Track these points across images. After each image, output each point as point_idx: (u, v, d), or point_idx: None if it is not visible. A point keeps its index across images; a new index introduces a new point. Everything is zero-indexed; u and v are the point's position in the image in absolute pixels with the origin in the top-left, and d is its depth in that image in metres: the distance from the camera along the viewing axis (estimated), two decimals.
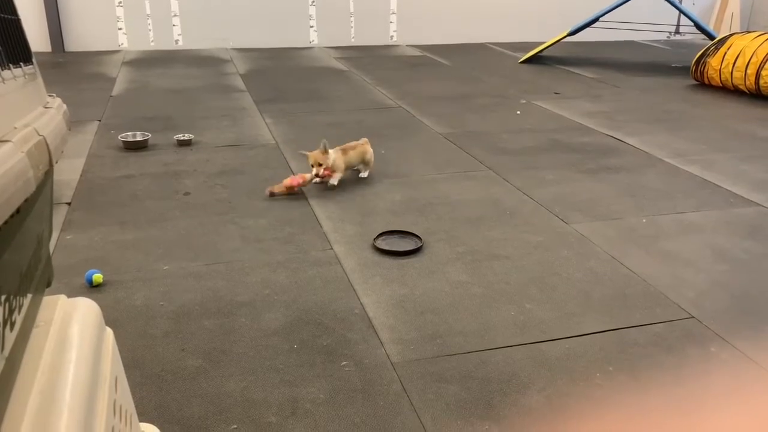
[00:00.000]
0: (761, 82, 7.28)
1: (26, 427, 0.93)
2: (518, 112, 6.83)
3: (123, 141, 5.36)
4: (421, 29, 11.50)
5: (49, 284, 1.37)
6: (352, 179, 4.69)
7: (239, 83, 8.08)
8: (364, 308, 3.01)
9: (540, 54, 10.04)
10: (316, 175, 4.36)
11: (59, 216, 3.94)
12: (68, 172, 4.71)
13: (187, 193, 4.40)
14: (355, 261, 3.47)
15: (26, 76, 1.13)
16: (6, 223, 0.82)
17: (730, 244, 3.75)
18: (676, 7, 9.98)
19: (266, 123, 6.21)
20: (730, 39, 7.90)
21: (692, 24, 9.57)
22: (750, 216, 4.16)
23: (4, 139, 0.89)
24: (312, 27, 11.14)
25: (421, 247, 3.61)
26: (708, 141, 5.82)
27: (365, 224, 3.91)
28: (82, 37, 10.19)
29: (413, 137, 5.84)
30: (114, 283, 3.18)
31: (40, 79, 1.30)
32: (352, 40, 11.36)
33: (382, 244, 3.65)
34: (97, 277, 3.15)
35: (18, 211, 0.87)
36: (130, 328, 2.81)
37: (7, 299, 0.93)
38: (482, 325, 2.88)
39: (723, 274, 3.40)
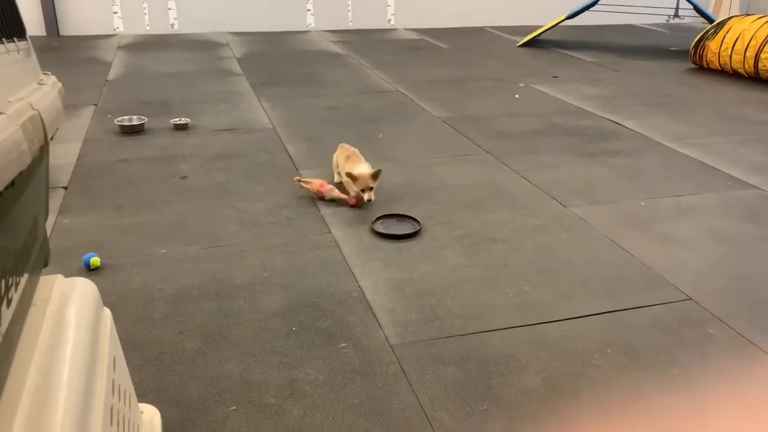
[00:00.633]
0: (760, 65, 7.25)
1: (24, 404, 0.93)
2: (517, 96, 6.80)
3: (119, 125, 5.33)
4: (419, 13, 11.42)
5: (46, 264, 1.36)
6: None
7: (236, 67, 8.03)
8: (362, 291, 3.00)
9: (539, 37, 9.98)
10: (369, 200, 3.80)
11: (56, 200, 3.92)
12: (64, 157, 4.68)
13: (184, 177, 4.38)
14: (354, 244, 3.46)
15: (20, 52, 1.11)
16: (1, 195, 0.81)
17: (728, 226, 3.75)
18: None
19: (263, 107, 6.18)
20: (729, 22, 7.86)
21: (691, 7, 9.51)
22: (748, 198, 4.16)
23: None
24: (309, 10, 11.06)
25: (419, 230, 3.60)
26: (706, 124, 5.81)
27: (363, 208, 3.90)
28: (77, 20, 10.11)
29: (411, 121, 5.81)
30: (111, 267, 3.18)
31: (34, 57, 1.28)
32: (350, 23, 11.28)
33: (381, 227, 3.64)
34: (95, 260, 3.15)
35: (13, 184, 0.86)
36: (128, 312, 2.80)
37: (2, 276, 0.92)
38: (480, 308, 2.88)
39: (721, 257, 3.40)
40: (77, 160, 4.67)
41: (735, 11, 11.60)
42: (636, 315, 2.85)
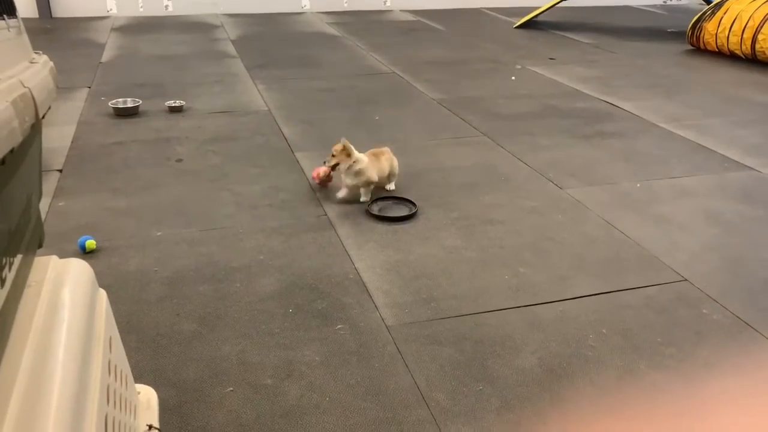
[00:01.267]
0: (757, 46, 7.22)
1: (20, 383, 0.92)
2: (513, 78, 6.77)
3: (113, 107, 5.29)
4: None
5: (40, 245, 1.36)
6: None
7: (230, 49, 7.96)
8: (358, 273, 3.01)
9: (535, 19, 9.92)
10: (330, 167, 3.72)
11: (51, 183, 3.90)
12: (59, 139, 4.65)
13: (179, 160, 4.36)
14: (350, 227, 3.46)
15: (10, 30, 1.10)
16: None
17: (724, 208, 3.76)
18: None
19: (258, 89, 6.14)
20: (726, 3, 7.81)
21: None
22: (743, 180, 4.16)
23: None
24: None
25: (415, 212, 3.60)
26: (703, 106, 5.80)
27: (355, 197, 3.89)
28: (69, 2, 9.99)
29: (407, 103, 5.79)
30: (107, 250, 3.17)
31: (25, 35, 1.27)
32: (345, 5, 11.17)
33: (377, 209, 3.64)
34: (90, 243, 3.14)
35: (3, 162, 0.85)
36: (124, 294, 2.80)
37: None
38: (476, 289, 2.89)
39: (716, 238, 3.41)
40: (72, 143, 4.64)
41: None
42: (631, 296, 2.86)
